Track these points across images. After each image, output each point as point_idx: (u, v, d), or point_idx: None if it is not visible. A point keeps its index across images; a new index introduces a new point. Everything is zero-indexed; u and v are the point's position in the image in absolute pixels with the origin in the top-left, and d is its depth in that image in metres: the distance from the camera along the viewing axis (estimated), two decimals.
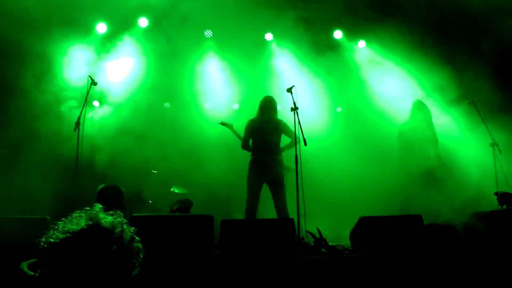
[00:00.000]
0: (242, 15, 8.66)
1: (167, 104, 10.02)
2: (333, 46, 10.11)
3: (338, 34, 10.16)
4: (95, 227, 1.95)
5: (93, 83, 7.45)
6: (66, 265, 1.86)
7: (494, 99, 8.43)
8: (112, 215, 2.06)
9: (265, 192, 7.57)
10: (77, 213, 2.02)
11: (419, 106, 8.21)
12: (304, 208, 6.62)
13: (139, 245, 2.07)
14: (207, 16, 9.11)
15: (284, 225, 5.63)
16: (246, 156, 7.74)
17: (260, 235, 5.41)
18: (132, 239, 2.04)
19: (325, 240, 5.84)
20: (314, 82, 9.72)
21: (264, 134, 7.56)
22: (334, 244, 5.85)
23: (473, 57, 9.14)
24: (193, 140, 9.11)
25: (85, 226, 1.95)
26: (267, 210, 7.96)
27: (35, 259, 2.14)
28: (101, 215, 2.02)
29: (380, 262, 5.20)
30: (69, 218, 2.00)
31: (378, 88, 9.86)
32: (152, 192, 8.71)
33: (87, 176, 7.54)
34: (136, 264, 2.02)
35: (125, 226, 2.04)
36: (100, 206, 2.09)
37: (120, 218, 2.06)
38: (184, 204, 6.79)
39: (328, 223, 8.07)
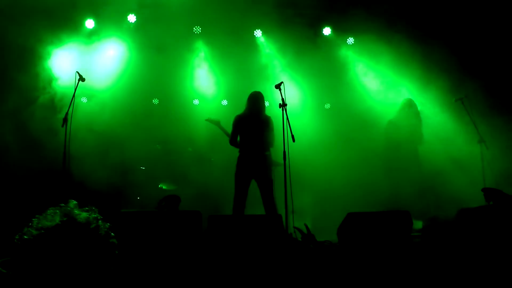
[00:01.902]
0: (231, 11, 8.64)
1: (155, 101, 9.98)
2: (322, 43, 10.09)
3: (327, 30, 10.16)
4: (69, 223, 1.94)
5: (81, 79, 7.38)
6: (40, 262, 1.84)
7: (483, 96, 8.50)
8: (87, 211, 2.04)
9: (253, 188, 7.58)
10: (52, 209, 2.00)
11: (408, 103, 8.26)
12: (292, 204, 6.64)
13: (114, 240, 2.06)
14: (196, 12, 9.08)
15: (272, 221, 5.63)
16: (235, 152, 7.73)
17: (248, 231, 5.40)
18: (107, 234, 2.03)
19: (313, 236, 5.85)
20: (303, 78, 9.73)
21: (252, 130, 7.56)
22: (322, 240, 5.87)
23: (463, 54, 9.20)
24: (181, 136, 9.11)
25: (60, 222, 1.93)
26: (255, 206, 7.96)
27: (8, 258, 2.12)
28: (76, 211, 2.01)
29: (367, 257, 5.21)
30: (44, 214, 1.98)
31: (366, 85, 9.88)
32: (139, 188, 8.69)
33: (74, 172, 7.50)
34: (112, 260, 2.01)
35: (100, 222, 2.03)
36: (75, 202, 2.07)
37: (95, 214, 2.05)
38: (172, 200, 6.79)
39: (316, 219, 8.11)
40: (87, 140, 8.04)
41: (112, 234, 2.05)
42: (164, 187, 8.98)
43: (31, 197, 7.48)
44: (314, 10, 9.76)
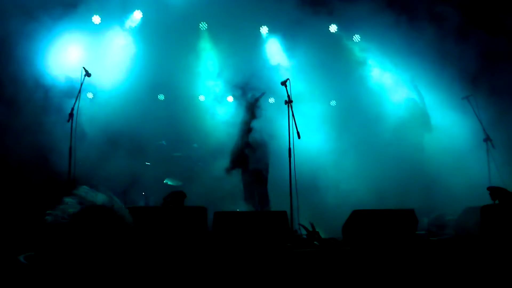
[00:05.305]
0: (237, 8, 8.62)
1: (160, 96, 9.98)
2: (329, 40, 10.06)
3: (333, 27, 10.15)
4: (92, 206, 1.97)
5: (87, 74, 7.41)
6: (70, 246, 1.87)
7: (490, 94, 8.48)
8: (100, 193, 2.08)
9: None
10: (69, 198, 2.02)
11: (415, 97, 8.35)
12: (297, 201, 6.63)
13: (130, 218, 2.09)
14: (202, 9, 9.07)
15: (277, 217, 5.63)
16: None
17: (253, 227, 5.41)
18: (125, 213, 2.06)
19: (317, 233, 5.85)
20: (309, 75, 9.69)
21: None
22: (327, 237, 5.88)
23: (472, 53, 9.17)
24: (187, 132, 9.10)
25: (84, 207, 1.96)
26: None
27: (31, 253, 2.13)
28: (91, 194, 2.03)
29: (372, 255, 5.22)
30: (63, 203, 2.00)
31: (374, 82, 9.86)
32: (145, 183, 8.70)
33: (80, 167, 7.51)
34: (132, 242, 2.04)
35: (115, 200, 2.06)
36: (87, 187, 2.10)
37: (109, 194, 2.08)
38: (177, 196, 6.80)
39: (321, 216, 8.09)
40: (92, 135, 8.05)
41: (127, 210, 2.09)
42: (169, 183, 8.99)
43: (35, 191, 7.50)
44: (320, 7, 9.72)
